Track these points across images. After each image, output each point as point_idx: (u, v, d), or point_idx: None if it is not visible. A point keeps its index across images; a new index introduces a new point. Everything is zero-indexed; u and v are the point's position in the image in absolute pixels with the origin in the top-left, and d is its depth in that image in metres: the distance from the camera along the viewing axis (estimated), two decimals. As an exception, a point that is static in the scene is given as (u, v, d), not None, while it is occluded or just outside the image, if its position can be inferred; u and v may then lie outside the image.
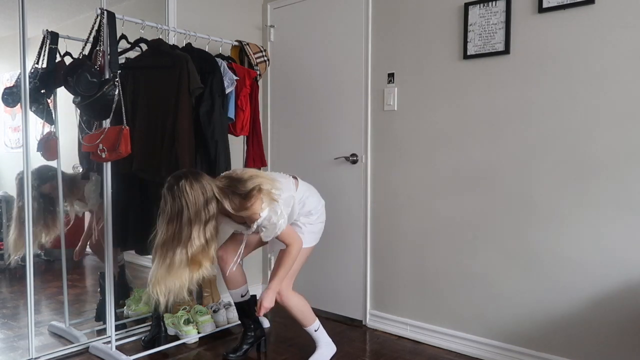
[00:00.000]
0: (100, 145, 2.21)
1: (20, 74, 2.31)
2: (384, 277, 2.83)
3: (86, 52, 2.34)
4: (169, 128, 2.42)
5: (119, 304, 2.80)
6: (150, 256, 2.90)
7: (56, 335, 2.62)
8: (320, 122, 3.08)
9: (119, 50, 2.32)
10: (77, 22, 2.67)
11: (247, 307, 2.50)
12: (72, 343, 2.52)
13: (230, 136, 2.64)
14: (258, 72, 2.85)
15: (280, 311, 2.59)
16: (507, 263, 2.37)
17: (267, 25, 3.34)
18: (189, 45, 2.61)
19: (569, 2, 2.15)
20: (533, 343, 2.30)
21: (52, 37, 2.38)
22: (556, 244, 2.23)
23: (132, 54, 2.56)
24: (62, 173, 2.62)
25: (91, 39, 2.32)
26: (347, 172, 2.95)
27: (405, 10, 2.68)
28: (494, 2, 2.36)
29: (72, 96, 2.23)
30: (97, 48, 2.27)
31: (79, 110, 2.31)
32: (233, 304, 2.96)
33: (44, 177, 2.61)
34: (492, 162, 2.41)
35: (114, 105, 2.18)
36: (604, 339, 2.11)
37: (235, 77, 2.60)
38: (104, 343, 2.49)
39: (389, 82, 2.76)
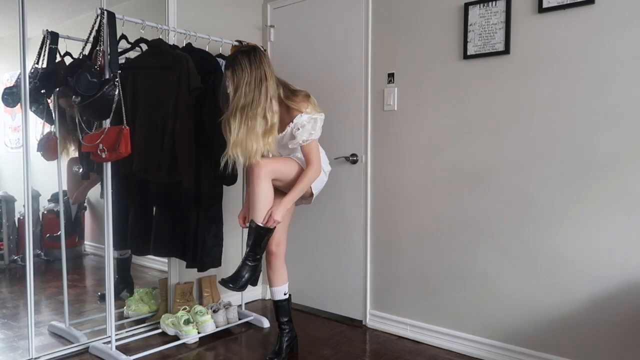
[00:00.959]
0: (100, 145, 2.21)
1: (20, 74, 2.31)
2: (384, 277, 2.83)
3: (86, 52, 2.34)
4: (169, 128, 2.42)
5: (118, 297, 2.79)
6: (150, 256, 2.92)
7: (56, 335, 2.62)
8: (320, 122, 3.07)
9: (119, 50, 2.32)
10: (77, 22, 2.67)
11: (288, 305, 2.46)
12: (72, 343, 2.52)
13: (230, 136, 2.64)
14: (258, 72, 2.85)
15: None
16: (507, 263, 2.37)
17: (267, 25, 3.34)
18: (189, 45, 2.61)
19: (569, 2, 2.15)
20: (533, 343, 2.30)
21: (52, 37, 2.38)
22: (556, 243, 2.23)
23: (132, 54, 2.56)
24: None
25: (91, 39, 2.32)
26: (347, 172, 2.95)
27: (405, 10, 2.68)
28: (494, 2, 2.36)
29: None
30: (97, 48, 2.27)
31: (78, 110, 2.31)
32: (232, 305, 2.97)
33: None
34: (492, 162, 2.41)
35: (114, 105, 2.17)
36: (604, 339, 2.11)
37: (235, 77, 2.60)
38: (104, 343, 2.49)
39: (389, 82, 2.76)
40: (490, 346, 2.43)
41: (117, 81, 2.19)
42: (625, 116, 2.04)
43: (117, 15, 2.29)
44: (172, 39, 2.77)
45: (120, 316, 2.86)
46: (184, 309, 2.76)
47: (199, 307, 2.77)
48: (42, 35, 2.39)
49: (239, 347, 2.63)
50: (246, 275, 2.20)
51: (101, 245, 2.54)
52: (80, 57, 2.32)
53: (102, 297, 2.75)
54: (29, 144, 2.31)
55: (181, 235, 2.65)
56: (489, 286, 2.43)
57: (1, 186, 2.75)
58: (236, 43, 2.90)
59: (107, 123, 2.27)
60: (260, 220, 2.20)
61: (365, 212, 2.89)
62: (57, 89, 2.53)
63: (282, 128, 2.28)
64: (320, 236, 3.11)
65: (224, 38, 2.87)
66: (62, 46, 2.45)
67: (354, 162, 2.91)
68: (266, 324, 2.89)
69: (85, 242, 3.07)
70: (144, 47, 2.53)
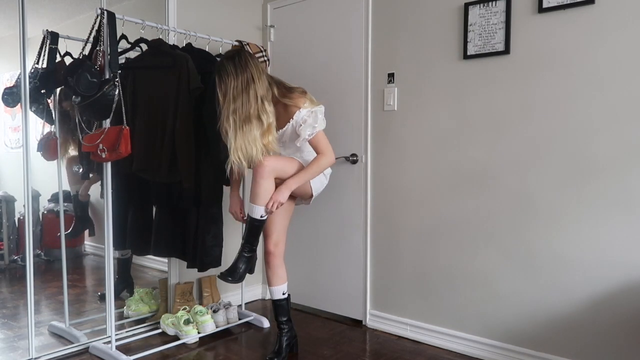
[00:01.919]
0: (100, 145, 2.21)
1: (20, 74, 2.31)
2: (384, 277, 2.83)
3: (86, 52, 2.34)
4: (169, 128, 2.42)
5: (118, 297, 2.79)
6: (150, 256, 2.92)
7: (56, 335, 2.62)
8: (320, 122, 3.07)
9: (119, 50, 2.32)
10: (77, 22, 2.67)
11: (287, 305, 2.47)
12: (72, 343, 2.52)
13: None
14: (258, 72, 2.85)
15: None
16: (507, 263, 2.37)
17: (267, 25, 3.34)
18: (189, 45, 2.62)
19: (569, 2, 2.15)
20: (533, 343, 2.30)
21: (52, 37, 2.38)
22: (556, 243, 2.23)
23: (132, 54, 2.56)
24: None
25: (91, 39, 2.32)
26: (347, 172, 2.95)
27: (405, 10, 2.68)
28: (494, 2, 2.36)
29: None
30: (97, 48, 2.27)
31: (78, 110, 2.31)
32: (232, 305, 2.97)
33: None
34: (492, 162, 2.41)
35: (114, 105, 2.17)
36: (603, 339, 2.11)
37: (235, 77, 2.60)
38: (104, 343, 2.49)
39: (389, 82, 2.76)
40: (490, 346, 2.43)
41: (117, 81, 2.19)
42: (625, 116, 2.04)
43: (117, 15, 2.29)
44: (172, 39, 2.77)
45: (120, 316, 2.86)
46: (184, 309, 2.76)
47: (199, 307, 2.77)
48: (42, 35, 2.39)
49: (239, 347, 2.63)
50: (243, 267, 2.27)
51: (101, 245, 2.54)
52: (80, 57, 2.31)
53: (102, 297, 2.75)
54: (29, 144, 2.31)
55: (181, 235, 2.65)
56: (489, 286, 2.43)
57: (1, 186, 2.75)
58: (236, 43, 2.89)
59: (107, 123, 2.27)
60: (261, 208, 2.21)
61: (365, 212, 2.89)
62: (59, 91, 2.53)
63: (281, 125, 2.28)
64: (320, 236, 3.11)
65: (224, 38, 2.87)
66: (62, 46, 2.44)
67: (354, 162, 2.91)
68: (266, 324, 2.89)
69: (86, 242, 3.07)
70: (144, 47, 2.53)
